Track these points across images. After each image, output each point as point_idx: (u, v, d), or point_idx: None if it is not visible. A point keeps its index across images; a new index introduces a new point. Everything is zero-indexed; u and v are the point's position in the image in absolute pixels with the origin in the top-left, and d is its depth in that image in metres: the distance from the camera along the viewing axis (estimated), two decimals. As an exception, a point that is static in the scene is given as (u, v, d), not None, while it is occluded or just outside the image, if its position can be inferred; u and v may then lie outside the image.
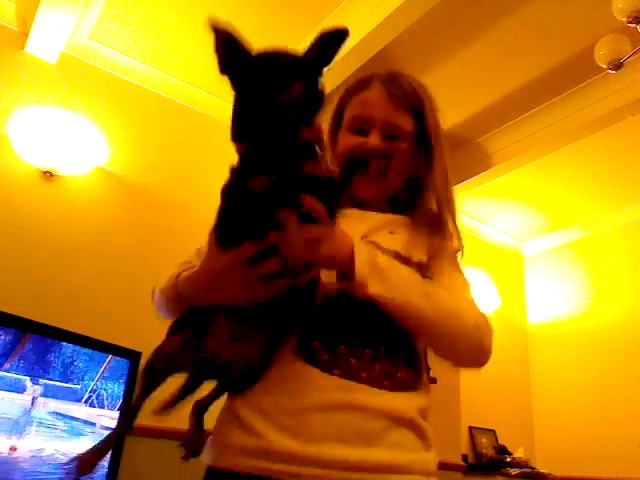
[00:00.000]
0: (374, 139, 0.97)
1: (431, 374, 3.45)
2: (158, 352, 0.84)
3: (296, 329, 0.84)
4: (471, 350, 0.88)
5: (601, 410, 3.72)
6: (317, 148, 0.75)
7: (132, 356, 2.19)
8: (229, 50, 0.78)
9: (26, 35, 2.57)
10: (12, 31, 2.62)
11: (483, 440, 3.69)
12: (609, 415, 3.66)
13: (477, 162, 3.43)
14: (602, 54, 2.22)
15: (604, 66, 2.24)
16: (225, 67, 0.76)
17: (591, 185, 3.79)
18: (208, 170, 2.99)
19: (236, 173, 0.76)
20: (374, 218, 0.96)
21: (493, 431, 3.79)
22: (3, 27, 2.60)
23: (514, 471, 3.45)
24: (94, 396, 2.13)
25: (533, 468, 3.54)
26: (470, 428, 3.66)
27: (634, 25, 2.07)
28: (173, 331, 0.86)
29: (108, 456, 2.03)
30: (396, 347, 0.86)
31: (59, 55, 2.66)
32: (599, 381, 3.79)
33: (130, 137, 2.83)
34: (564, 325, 4.17)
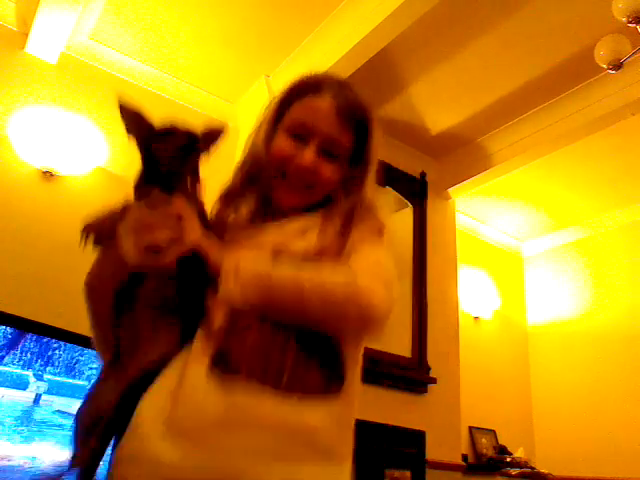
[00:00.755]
0: (309, 154, 0.95)
1: (431, 374, 3.44)
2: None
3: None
4: (349, 319, 0.83)
5: (601, 410, 3.72)
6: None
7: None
8: (132, 118, 1.01)
9: (26, 35, 2.57)
10: (12, 31, 2.62)
11: (483, 440, 3.69)
12: (609, 415, 3.66)
13: (477, 162, 3.43)
14: (602, 54, 2.22)
15: (604, 66, 2.23)
16: (130, 130, 1.01)
17: (591, 185, 3.79)
18: (207, 170, 2.99)
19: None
20: (289, 226, 0.95)
21: (493, 431, 3.79)
22: (3, 27, 2.60)
23: (514, 471, 3.45)
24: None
25: (533, 468, 3.54)
26: (470, 428, 3.66)
27: (634, 25, 2.07)
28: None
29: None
30: (311, 347, 0.83)
31: (59, 55, 2.66)
32: (599, 381, 3.79)
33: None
34: (564, 325, 4.17)
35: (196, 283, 0.87)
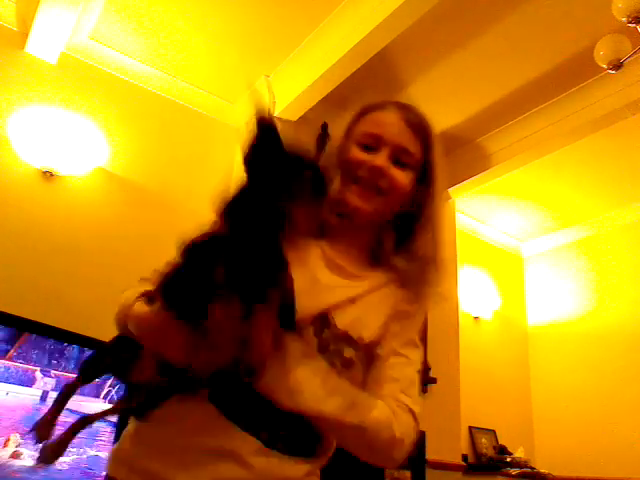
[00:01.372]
0: (382, 159, 0.97)
1: (431, 374, 3.44)
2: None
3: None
4: (377, 457, 0.89)
5: (601, 410, 3.72)
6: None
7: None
8: (267, 147, 0.78)
9: (26, 35, 2.57)
10: (12, 31, 2.62)
11: (483, 440, 3.69)
12: (609, 415, 3.66)
13: (477, 162, 3.43)
14: (602, 54, 2.22)
15: (604, 66, 2.23)
16: (254, 161, 0.79)
17: (592, 184, 3.79)
18: (208, 170, 2.99)
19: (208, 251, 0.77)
20: (340, 285, 0.95)
21: (493, 431, 3.79)
22: (3, 27, 2.60)
23: (514, 471, 3.45)
24: (114, 391, 2.06)
25: (533, 468, 3.54)
26: (470, 428, 3.66)
27: (634, 25, 2.07)
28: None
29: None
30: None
31: (59, 55, 2.66)
32: (599, 381, 3.79)
33: (130, 137, 2.83)
34: (564, 325, 4.16)
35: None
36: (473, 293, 4.01)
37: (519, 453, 3.60)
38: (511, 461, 3.52)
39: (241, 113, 3.17)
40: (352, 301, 0.93)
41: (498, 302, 4.18)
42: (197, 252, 0.78)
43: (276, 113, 2.96)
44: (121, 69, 2.86)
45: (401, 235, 1.03)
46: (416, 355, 0.95)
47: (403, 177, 0.99)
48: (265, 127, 0.78)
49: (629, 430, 3.53)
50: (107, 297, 2.49)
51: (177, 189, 2.88)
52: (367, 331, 0.92)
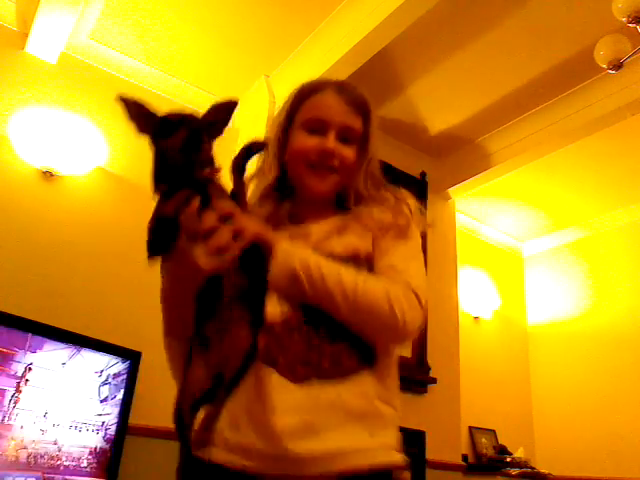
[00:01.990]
0: (330, 141, 1.05)
1: (431, 374, 3.44)
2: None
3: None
4: (382, 326, 0.94)
5: (601, 410, 3.72)
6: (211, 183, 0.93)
7: (132, 356, 2.19)
8: (139, 116, 1.01)
9: (26, 35, 2.57)
10: (12, 31, 2.62)
11: (483, 440, 3.69)
12: (609, 415, 3.66)
13: (477, 162, 3.43)
14: (602, 54, 2.22)
15: (604, 66, 2.24)
16: (140, 129, 1.00)
17: (591, 185, 3.79)
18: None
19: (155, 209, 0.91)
20: (320, 227, 1.05)
21: (493, 431, 3.79)
22: (3, 27, 2.60)
23: (514, 471, 3.45)
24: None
25: (533, 468, 3.54)
26: (470, 428, 3.66)
27: (634, 25, 2.07)
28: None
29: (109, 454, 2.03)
30: (340, 330, 0.93)
31: (59, 55, 2.66)
32: (599, 381, 3.79)
33: (130, 137, 2.81)
34: (564, 325, 4.17)
35: (259, 270, 0.93)
36: (473, 293, 4.01)
37: (519, 453, 3.60)
38: (511, 461, 3.52)
39: (241, 113, 3.17)
40: (338, 233, 1.02)
41: (498, 302, 4.18)
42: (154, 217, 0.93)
43: (276, 113, 2.96)
44: (121, 69, 2.86)
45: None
46: (405, 243, 1.03)
47: (350, 152, 1.07)
48: (130, 107, 1.02)
49: (629, 430, 3.53)
50: (107, 296, 2.50)
51: (177, 189, 2.87)
52: (360, 247, 1.00)
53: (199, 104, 3.06)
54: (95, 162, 2.65)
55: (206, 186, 0.91)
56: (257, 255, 0.92)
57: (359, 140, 1.09)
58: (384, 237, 1.02)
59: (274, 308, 0.93)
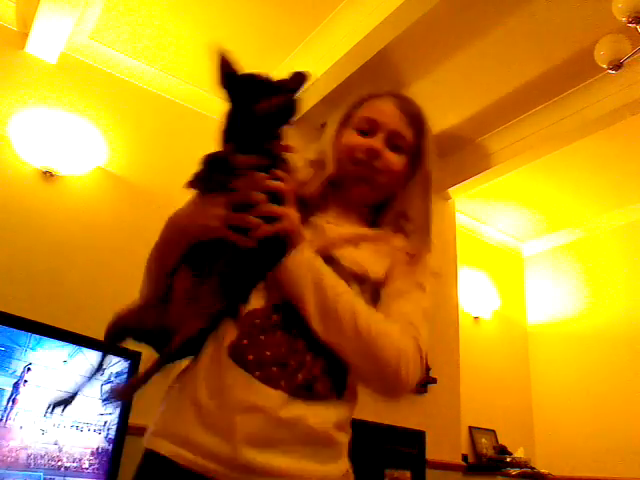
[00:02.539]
0: (377, 141, 1.04)
1: (431, 374, 3.45)
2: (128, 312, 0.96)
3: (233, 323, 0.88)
4: (383, 378, 0.89)
5: (601, 410, 3.72)
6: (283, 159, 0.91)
7: (132, 356, 2.19)
8: (226, 70, 0.96)
9: (26, 35, 2.57)
10: (12, 31, 2.62)
11: (483, 440, 3.69)
12: (609, 415, 3.66)
13: (477, 162, 3.43)
14: (602, 54, 2.22)
15: (604, 66, 2.23)
16: (222, 84, 0.93)
17: (588, 186, 3.80)
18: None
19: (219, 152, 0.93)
20: (339, 229, 1.01)
21: (493, 431, 3.79)
22: (3, 27, 2.60)
23: (514, 471, 3.45)
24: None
25: (533, 468, 3.54)
26: (470, 428, 3.66)
27: (634, 25, 2.07)
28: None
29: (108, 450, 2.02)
30: (320, 354, 0.88)
31: (59, 55, 2.66)
32: (599, 381, 3.79)
33: (130, 137, 2.83)
34: (564, 325, 4.17)
35: (265, 264, 0.89)
36: (473, 293, 4.01)
37: (519, 453, 3.60)
38: (511, 461, 3.52)
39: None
40: (355, 244, 0.98)
41: (498, 302, 4.18)
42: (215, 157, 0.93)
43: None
44: (121, 69, 2.86)
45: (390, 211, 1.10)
46: (422, 296, 0.98)
47: (397, 159, 1.05)
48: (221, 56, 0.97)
49: (629, 429, 3.53)
50: (107, 296, 2.50)
51: (176, 189, 2.86)
52: (372, 269, 0.96)
53: (199, 104, 3.06)
54: (95, 162, 2.65)
55: (277, 161, 0.89)
56: (272, 244, 0.87)
57: (410, 152, 1.07)
58: (404, 277, 0.97)
59: (258, 301, 0.89)
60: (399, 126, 1.06)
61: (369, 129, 1.06)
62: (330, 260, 0.92)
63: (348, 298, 0.88)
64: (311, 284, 0.86)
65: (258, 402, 0.82)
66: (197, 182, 0.94)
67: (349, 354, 0.87)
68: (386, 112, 1.07)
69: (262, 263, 0.89)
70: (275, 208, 0.86)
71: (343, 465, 0.89)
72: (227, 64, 0.96)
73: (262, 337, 0.86)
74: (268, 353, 0.85)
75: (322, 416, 0.86)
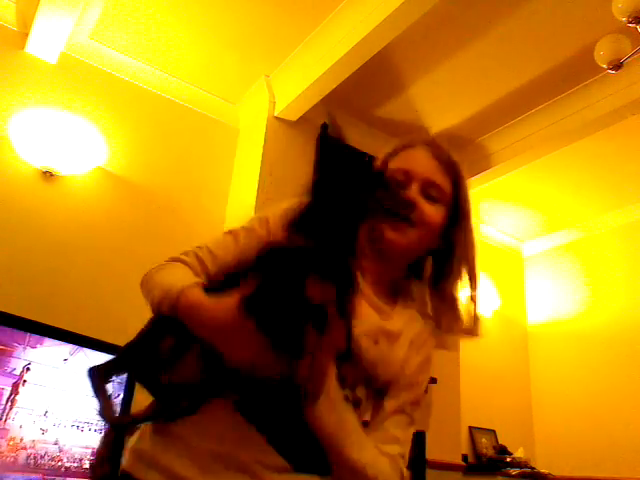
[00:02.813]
0: (414, 192, 0.98)
1: (431, 374, 3.42)
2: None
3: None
4: None
5: (601, 410, 3.72)
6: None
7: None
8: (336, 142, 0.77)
9: (26, 35, 2.57)
10: (12, 31, 2.62)
11: (483, 440, 3.69)
12: (610, 415, 3.66)
13: (477, 162, 3.43)
14: (602, 54, 2.22)
15: (604, 66, 2.23)
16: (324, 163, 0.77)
17: (588, 186, 3.80)
18: (207, 170, 2.99)
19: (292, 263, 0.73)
20: (371, 312, 0.96)
21: (493, 431, 3.79)
22: (3, 27, 2.60)
23: (514, 471, 3.45)
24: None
25: (533, 468, 3.54)
26: (470, 428, 3.66)
27: (634, 25, 2.07)
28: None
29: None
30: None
31: (59, 55, 2.66)
32: (599, 381, 3.79)
33: (130, 137, 2.83)
34: (564, 324, 4.17)
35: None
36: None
37: (519, 453, 3.60)
38: (511, 461, 3.52)
39: (242, 113, 3.17)
40: (385, 334, 0.94)
41: (498, 302, 4.18)
42: (287, 267, 0.73)
43: (276, 113, 2.96)
44: (121, 69, 2.86)
45: (434, 274, 1.06)
46: (418, 414, 0.97)
47: (433, 211, 1.00)
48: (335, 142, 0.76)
49: (629, 429, 3.53)
50: (107, 296, 2.50)
51: (176, 189, 2.88)
52: (387, 370, 0.93)
53: (199, 104, 3.06)
54: (95, 162, 2.65)
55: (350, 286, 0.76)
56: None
57: (447, 204, 1.02)
58: (409, 389, 0.96)
59: None
60: (435, 175, 1.01)
61: (403, 180, 1.00)
62: (347, 357, 0.86)
63: (367, 458, 0.87)
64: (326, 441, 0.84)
65: (254, 461, 0.82)
66: (255, 312, 0.74)
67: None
68: (420, 161, 1.02)
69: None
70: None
71: None
72: (338, 132, 0.80)
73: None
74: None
75: None
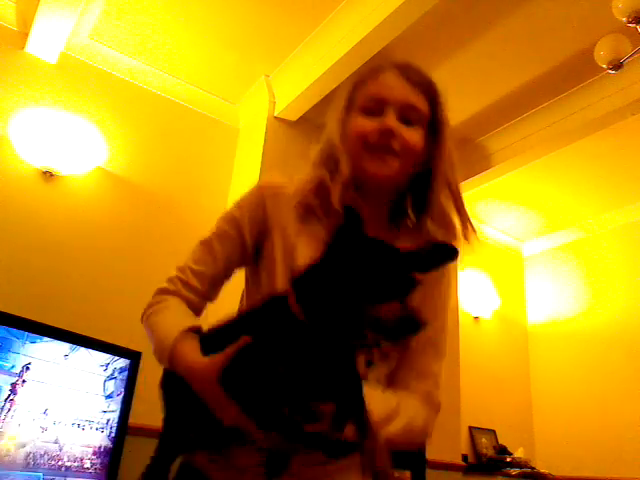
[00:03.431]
0: (390, 119, 0.92)
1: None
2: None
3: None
4: (414, 446, 0.96)
5: (602, 410, 3.71)
6: None
7: (132, 356, 2.19)
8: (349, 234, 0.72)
9: (26, 35, 2.57)
10: (12, 31, 2.62)
11: (483, 440, 3.69)
12: (610, 415, 3.66)
13: (477, 162, 3.43)
14: (602, 54, 2.22)
15: (604, 66, 2.23)
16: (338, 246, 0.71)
17: (588, 186, 3.80)
18: (207, 170, 2.99)
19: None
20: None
21: (493, 431, 3.78)
22: (3, 27, 2.60)
23: (514, 471, 3.45)
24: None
25: (533, 468, 3.54)
26: (470, 428, 3.66)
27: (634, 25, 2.07)
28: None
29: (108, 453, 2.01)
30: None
31: (59, 55, 2.66)
32: (599, 380, 3.79)
33: (130, 137, 2.83)
34: (564, 324, 4.16)
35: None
36: (473, 293, 4.01)
37: (519, 453, 3.60)
38: (511, 461, 3.52)
39: (242, 113, 3.17)
40: None
41: (498, 302, 4.18)
42: (266, 343, 0.71)
43: (276, 113, 2.96)
44: (121, 69, 2.86)
45: (418, 197, 0.99)
46: (445, 342, 1.00)
47: (414, 135, 0.93)
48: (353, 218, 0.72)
49: (629, 429, 3.52)
50: (107, 296, 2.50)
51: (176, 189, 2.88)
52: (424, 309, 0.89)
53: (199, 104, 3.07)
54: (95, 162, 2.65)
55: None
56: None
57: (426, 125, 0.95)
58: (432, 325, 0.91)
59: None
60: (410, 97, 0.94)
61: (377, 108, 0.93)
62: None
63: (396, 428, 0.85)
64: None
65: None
66: (229, 385, 0.74)
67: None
68: (393, 85, 0.95)
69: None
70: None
71: None
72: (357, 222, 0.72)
73: None
74: None
75: None
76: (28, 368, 1.89)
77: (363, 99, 0.96)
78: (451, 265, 0.86)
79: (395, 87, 0.94)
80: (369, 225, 0.88)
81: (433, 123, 0.96)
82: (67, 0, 2.34)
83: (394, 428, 0.84)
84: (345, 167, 0.93)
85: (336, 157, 0.95)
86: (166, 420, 0.85)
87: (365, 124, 0.93)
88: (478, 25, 2.58)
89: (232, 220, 0.97)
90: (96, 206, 2.65)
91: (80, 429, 1.95)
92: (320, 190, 0.94)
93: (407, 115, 0.93)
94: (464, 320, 3.77)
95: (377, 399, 0.84)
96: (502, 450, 3.66)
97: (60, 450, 1.90)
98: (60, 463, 1.89)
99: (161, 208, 2.78)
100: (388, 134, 0.91)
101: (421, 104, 0.95)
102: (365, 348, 0.87)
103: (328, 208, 0.92)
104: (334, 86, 2.72)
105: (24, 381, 1.86)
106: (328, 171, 0.95)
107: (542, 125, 3.11)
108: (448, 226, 0.95)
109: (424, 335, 0.89)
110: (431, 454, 2.93)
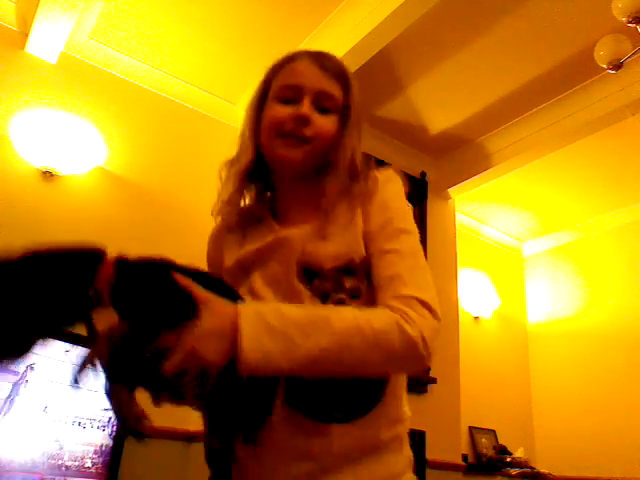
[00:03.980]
0: (305, 107, 0.94)
1: (431, 374, 3.44)
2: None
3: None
4: (409, 368, 0.91)
5: (601, 409, 3.72)
6: None
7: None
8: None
9: (26, 35, 2.57)
10: (12, 31, 2.62)
11: (483, 440, 3.69)
12: (609, 414, 3.66)
13: (477, 162, 3.43)
14: (602, 54, 2.22)
15: (604, 66, 2.24)
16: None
17: (587, 187, 3.81)
18: (207, 170, 2.99)
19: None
20: (301, 231, 0.94)
21: (493, 431, 3.79)
22: (3, 27, 2.60)
23: (514, 471, 3.45)
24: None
25: (533, 468, 3.54)
26: (470, 428, 3.66)
27: (634, 25, 2.07)
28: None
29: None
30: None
31: (59, 55, 2.66)
32: (599, 380, 3.79)
33: (129, 137, 2.83)
34: (564, 324, 4.17)
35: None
36: (473, 293, 4.01)
37: (519, 453, 3.60)
38: (511, 461, 3.52)
39: (242, 113, 3.17)
40: (322, 237, 0.92)
41: (498, 302, 4.18)
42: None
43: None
44: (121, 69, 2.86)
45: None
46: (406, 242, 0.91)
47: (327, 122, 0.96)
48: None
49: (629, 429, 3.53)
50: (107, 297, 2.49)
51: (176, 188, 2.88)
52: (353, 252, 0.90)
53: (199, 104, 3.06)
54: (94, 162, 2.65)
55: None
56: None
57: (340, 111, 0.98)
58: (381, 233, 0.90)
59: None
60: (324, 85, 0.96)
61: (293, 96, 0.96)
62: (308, 272, 0.89)
63: (327, 340, 0.78)
64: (284, 360, 0.76)
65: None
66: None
67: (370, 370, 0.84)
68: (307, 73, 0.97)
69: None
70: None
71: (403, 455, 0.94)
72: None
73: None
74: None
75: (366, 430, 0.90)
76: (32, 368, 1.87)
77: (279, 88, 0.98)
78: (385, 180, 0.97)
79: (310, 75, 0.97)
80: (294, 211, 0.99)
81: (346, 108, 0.99)
82: (67, 0, 2.34)
83: (312, 343, 0.76)
84: (244, 157, 1.00)
85: (243, 147, 1.02)
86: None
87: (281, 112, 0.96)
88: (478, 25, 2.58)
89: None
90: (96, 206, 2.65)
91: (81, 428, 1.91)
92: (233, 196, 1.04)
93: (323, 103, 0.96)
94: (464, 320, 3.77)
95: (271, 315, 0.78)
96: (502, 450, 3.66)
97: (60, 449, 1.87)
98: (60, 462, 1.86)
99: (161, 208, 2.78)
100: (302, 121, 0.94)
101: (335, 90, 0.98)
102: (328, 298, 0.88)
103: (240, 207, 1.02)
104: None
105: (26, 381, 1.84)
106: (247, 166, 1.03)
107: (542, 125, 3.11)
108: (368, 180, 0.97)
109: (373, 247, 0.90)
110: (431, 454, 2.93)
